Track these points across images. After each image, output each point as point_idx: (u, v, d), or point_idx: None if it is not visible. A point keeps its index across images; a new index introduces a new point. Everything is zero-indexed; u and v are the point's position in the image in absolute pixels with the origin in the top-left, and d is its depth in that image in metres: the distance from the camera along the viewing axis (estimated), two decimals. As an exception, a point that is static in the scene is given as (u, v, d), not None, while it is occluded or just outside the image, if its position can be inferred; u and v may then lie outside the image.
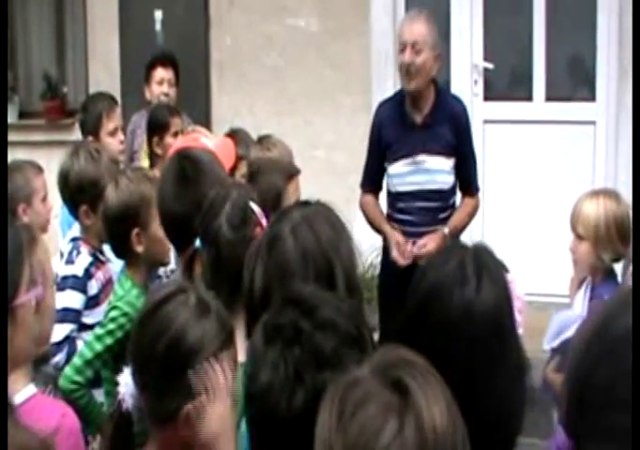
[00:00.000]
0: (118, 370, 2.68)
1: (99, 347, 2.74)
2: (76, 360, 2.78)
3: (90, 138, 4.21)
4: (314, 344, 1.41)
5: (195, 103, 5.81)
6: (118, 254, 2.89)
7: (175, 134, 4.22)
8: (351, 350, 1.42)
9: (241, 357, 1.92)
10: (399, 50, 3.96)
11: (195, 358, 1.63)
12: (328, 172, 5.87)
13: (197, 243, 2.25)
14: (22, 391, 1.68)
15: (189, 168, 2.69)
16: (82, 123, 4.39)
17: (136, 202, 2.73)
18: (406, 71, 3.89)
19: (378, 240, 4.21)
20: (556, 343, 3.21)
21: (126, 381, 1.72)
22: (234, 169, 3.27)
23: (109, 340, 2.73)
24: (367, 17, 5.78)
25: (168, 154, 3.98)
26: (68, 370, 2.76)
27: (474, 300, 1.58)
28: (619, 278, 3.35)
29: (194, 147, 3.07)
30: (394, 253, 3.89)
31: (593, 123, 5.66)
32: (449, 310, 1.58)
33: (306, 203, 1.92)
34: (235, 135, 3.90)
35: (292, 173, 3.27)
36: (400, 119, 4.00)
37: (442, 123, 3.95)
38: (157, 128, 4.27)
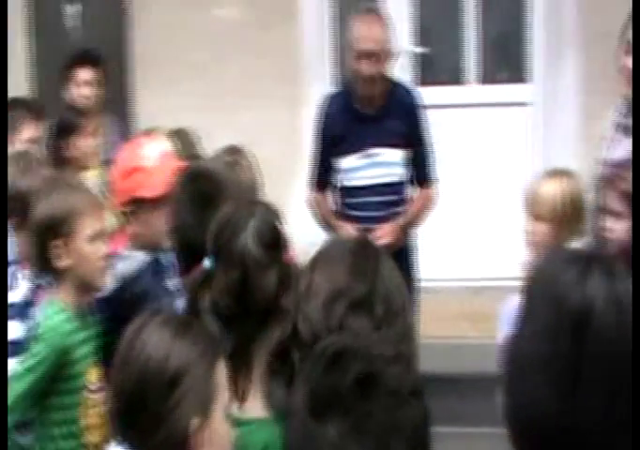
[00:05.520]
0: (45, 410, 2.43)
1: (22, 386, 2.42)
2: None
3: None
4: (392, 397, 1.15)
5: (117, 103, 5.52)
6: (40, 270, 2.62)
7: (87, 136, 4.09)
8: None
9: (258, 412, 1.73)
10: (355, 57, 3.77)
11: (183, 378, 1.53)
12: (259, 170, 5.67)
13: (206, 263, 1.90)
14: None
15: (207, 188, 2.40)
16: None
17: (61, 214, 2.48)
18: (364, 81, 3.76)
19: (318, 237, 4.05)
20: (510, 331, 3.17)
21: None
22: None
23: (31, 377, 2.42)
24: (295, 4, 5.59)
25: (80, 156, 4.02)
26: None
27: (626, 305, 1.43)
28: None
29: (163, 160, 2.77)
30: None
31: (526, 105, 5.66)
32: (614, 328, 1.41)
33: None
34: (176, 135, 3.70)
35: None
36: (349, 112, 3.87)
37: (394, 114, 3.84)
38: (66, 130, 4.10)
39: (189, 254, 2.34)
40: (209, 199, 2.35)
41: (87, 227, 2.50)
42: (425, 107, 4.87)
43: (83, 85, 4.78)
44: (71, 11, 5.73)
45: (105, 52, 5.20)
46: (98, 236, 2.53)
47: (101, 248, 2.54)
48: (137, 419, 1.53)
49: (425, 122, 3.97)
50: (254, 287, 1.77)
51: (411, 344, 1.52)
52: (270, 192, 5.41)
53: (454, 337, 4.88)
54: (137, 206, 2.68)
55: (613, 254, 1.59)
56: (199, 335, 1.58)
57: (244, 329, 1.78)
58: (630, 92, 3.28)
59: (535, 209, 3.18)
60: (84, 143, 4.13)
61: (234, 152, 3.56)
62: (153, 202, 2.66)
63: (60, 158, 4.06)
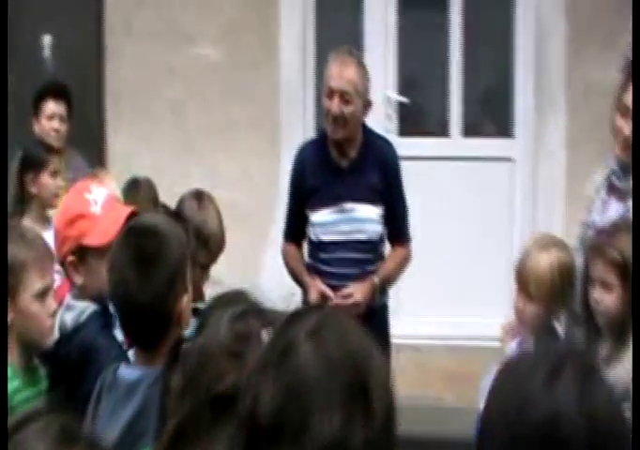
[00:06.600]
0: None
1: None
2: None
3: None
4: None
5: (88, 139, 5.34)
6: None
7: (54, 173, 3.94)
8: None
9: None
10: (326, 94, 3.62)
11: None
12: (232, 215, 5.45)
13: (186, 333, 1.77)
14: None
15: (149, 244, 2.16)
16: None
17: None
18: (333, 120, 3.58)
19: (290, 289, 3.85)
20: None
21: None
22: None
23: None
24: (275, 49, 5.46)
25: (45, 194, 3.87)
26: None
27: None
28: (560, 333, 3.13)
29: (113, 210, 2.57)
30: (313, 300, 3.55)
31: (511, 160, 5.54)
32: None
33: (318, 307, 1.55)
34: (138, 185, 3.55)
35: None
36: (324, 163, 3.68)
37: (370, 168, 3.66)
38: (32, 166, 3.93)
39: (129, 311, 2.16)
40: (151, 256, 2.16)
41: (34, 283, 2.30)
42: (408, 158, 4.78)
43: (52, 118, 4.67)
44: (46, 43, 5.59)
45: (77, 85, 5.05)
46: (46, 292, 2.33)
47: (51, 305, 2.35)
48: None
49: (401, 177, 3.79)
50: (208, 367, 1.59)
51: None
52: (247, 240, 5.28)
53: (430, 398, 4.71)
54: (82, 255, 2.48)
55: (588, 351, 1.43)
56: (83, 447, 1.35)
57: (185, 414, 1.59)
58: (624, 156, 3.11)
59: (525, 287, 3.02)
60: (50, 182, 3.95)
61: (198, 196, 3.38)
62: (99, 251, 2.46)
63: (25, 195, 3.93)
